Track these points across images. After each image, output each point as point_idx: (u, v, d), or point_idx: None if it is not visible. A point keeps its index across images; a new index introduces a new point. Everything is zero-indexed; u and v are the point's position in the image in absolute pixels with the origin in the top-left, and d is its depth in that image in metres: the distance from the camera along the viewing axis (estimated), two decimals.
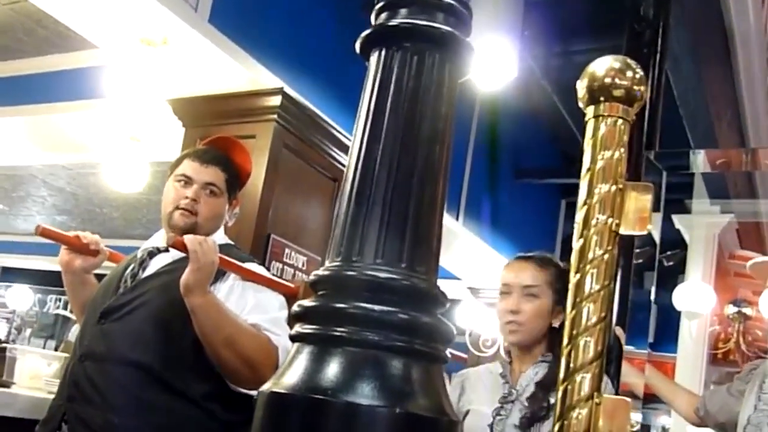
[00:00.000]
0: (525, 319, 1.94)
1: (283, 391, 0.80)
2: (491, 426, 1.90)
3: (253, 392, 1.73)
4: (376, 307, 0.81)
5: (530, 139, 6.10)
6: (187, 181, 1.93)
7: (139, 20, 2.89)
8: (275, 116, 3.14)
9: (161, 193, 2.03)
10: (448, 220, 5.10)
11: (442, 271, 5.97)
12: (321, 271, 0.87)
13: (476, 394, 2.02)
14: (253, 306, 1.81)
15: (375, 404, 0.76)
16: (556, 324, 1.96)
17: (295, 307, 0.87)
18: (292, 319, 0.88)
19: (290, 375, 0.81)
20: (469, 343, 5.55)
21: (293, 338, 0.86)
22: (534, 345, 1.97)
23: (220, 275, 1.80)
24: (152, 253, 1.95)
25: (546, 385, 1.85)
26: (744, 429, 2.26)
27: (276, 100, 3.15)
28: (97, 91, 3.73)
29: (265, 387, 0.83)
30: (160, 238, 1.98)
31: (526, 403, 1.87)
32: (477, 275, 6.08)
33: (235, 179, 2.02)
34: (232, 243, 2.07)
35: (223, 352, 1.72)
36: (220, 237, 1.97)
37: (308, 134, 3.31)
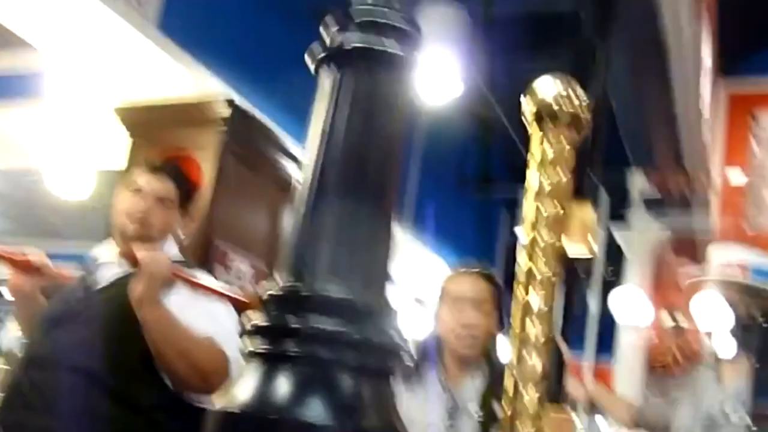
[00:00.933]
0: (480, 333, 1.99)
1: (233, 410, 0.80)
2: None
3: (202, 399, 1.76)
4: (328, 326, 0.82)
5: (474, 150, 6.19)
6: (140, 192, 1.93)
7: (85, 24, 2.84)
8: (223, 125, 3.11)
9: (107, 199, 2.01)
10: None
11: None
12: (273, 290, 0.87)
13: (412, 401, 1.99)
14: (206, 319, 1.81)
15: (326, 423, 0.77)
16: (494, 331, 2.04)
17: (247, 326, 0.87)
18: (246, 337, 0.88)
19: (241, 392, 0.82)
20: (414, 349, 5.57)
21: (245, 355, 0.86)
22: (476, 356, 2.02)
23: (171, 287, 1.80)
24: (101, 264, 1.94)
25: (492, 394, 1.90)
26: None
27: (223, 109, 3.13)
28: (37, 91, 3.65)
29: (216, 405, 0.83)
30: (109, 249, 1.97)
31: (476, 416, 1.91)
32: (423, 284, 6.13)
33: (187, 193, 2.03)
34: (185, 259, 2.06)
35: (176, 364, 1.73)
36: (173, 252, 1.98)
37: (255, 143, 3.30)
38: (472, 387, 1.98)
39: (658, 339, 6.56)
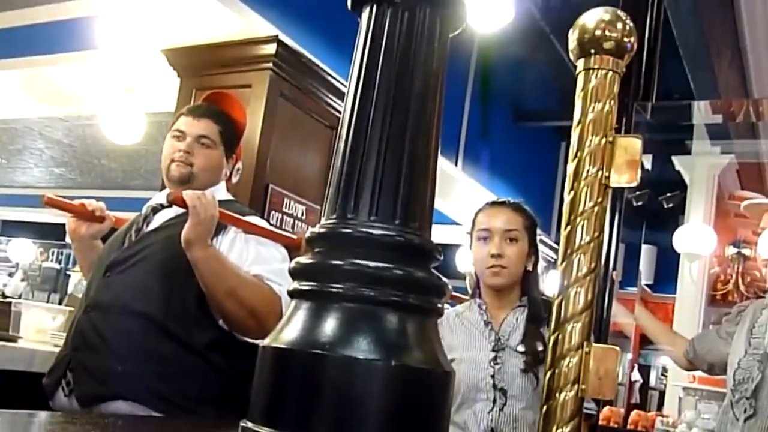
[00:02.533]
0: (508, 262, 2.02)
1: (282, 346, 0.82)
2: (493, 376, 1.95)
3: (258, 342, 1.77)
4: (371, 264, 0.83)
5: (529, 82, 6.06)
6: (181, 135, 1.98)
7: None
8: (270, 65, 3.11)
9: (159, 143, 2.07)
10: (447, 165, 5.10)
11: (443, 217, 6.01)
12: (317, 229, 0.88)
13: (457, 340, 2.06)
14: (254, 257, 1.84)
15: (371, 358, 0.79)
16: (529, 267, 2.06)
17: (292, 264, 0.89)
18: (291, 276, 0.89)
19: (289, 330, 0.83)
20: (469, 287, 5.60)
21: (291, 294, 0.87)
22: (511, 289, 2.04)
23: (221, 228, 1.84)
24: (155, 209, 2.00)
25: (535, 330, 1.92)
26: (734, 372, 2.28)
27: (271, 48, 3.12)
28: (91, 42, 3.69)
29: (265, 342, 0.85)
30: (163, 196, 2.01)
31: (520, 349, 1.93)
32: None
33: (230, 131, 2.05)
34: (234, 198, 2.10)
35: (226, 303, 1.76)
36: (221, 192, 2.01)
37: (304, 82, 3.29)
38: (514, 322, 2.02)
39: (720, 268, 6.45)
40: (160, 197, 2.04)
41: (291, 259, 1.89)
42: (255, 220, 1.96)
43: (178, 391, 1.76)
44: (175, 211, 1.90)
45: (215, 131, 2.00)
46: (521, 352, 1.94)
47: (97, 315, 1.84)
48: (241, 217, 1.91)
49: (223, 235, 1.86)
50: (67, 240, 2.18)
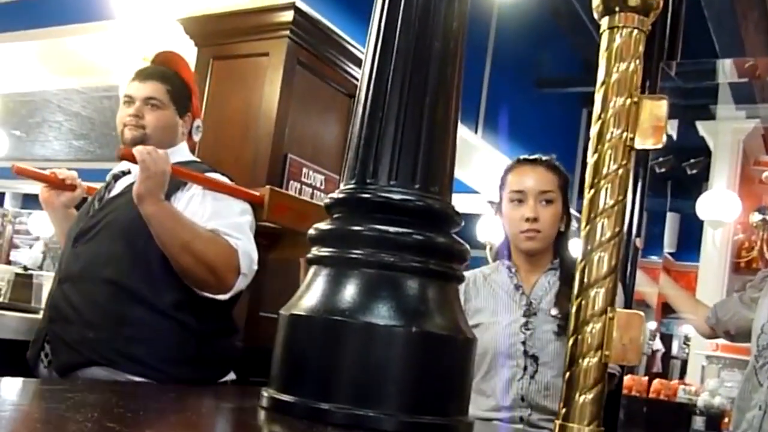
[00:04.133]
0: (543, 226, 1.90)
1: (302, 313, 0.82)
2: (524, 342, 1.86)
3: (220, 297, 1.80)
4: (391, 229, 0.82)
5: (551, 48, 5.97)
6: (130, 100, 1.98)
7: None
8: (288, 32, 3.07)
9: None
10: (466, 133, 5.05)
11: (462, 186, 5.97)
12: (335, 194, 0.87)
13: (486, 304, 1.96)
14: (211, 213, 1.83)
15: (392, 324, 0.78)
16: (562, 228, 1.94)
17: (311, 231, 0.88)
18: (309, 243, 0.88)
19: (309, 297, 0.83)
20: (490, 256, 5.59)
21: (310, 261, 0.87)
22: (544, 252, 1.94)
23: (180, 186, 1.84)
24: (117, 176, 2.00)
25: (568, 292, 1.82)
26: (758, 338, 2.25)
27: (288, 15, 3.08)
28: (108, 12, 3.68)
29: (285, 309, 0.85)
30: (123, 163, 2.00)
31: (553, 312, 1.84)
32: (497, 189, 6.07)
33: (178, 90, 2.03)
34: (198, 159, 2.09)
35: (181, 258, 1.75)
36: (182, 153, 2.02)
37: (322, 50, 3.25)
38: (546, 285, 1.92)
39: (744, 235, 6.37)
40: (121, 165, 2.03)
41: (255, 217, 1.94)
42: (215, 176, 1.93)
43: (151, 353, 1.76)
44: (135, 176, 1.87)
45: (162, 91, 1.99)
46: (554, 316, 1.83)
47: (68, 286, 1.86)
48: (197, 173, 1.89)
49: (182, 191, 1.85)
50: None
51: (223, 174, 1.98)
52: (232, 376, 1.92)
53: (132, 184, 1.84)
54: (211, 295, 1.81)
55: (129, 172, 1.95)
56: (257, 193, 1.96)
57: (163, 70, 2.06)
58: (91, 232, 1.89)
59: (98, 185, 2.12)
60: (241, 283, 1.81)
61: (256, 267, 1.85)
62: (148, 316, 1.79)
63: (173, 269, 1.78)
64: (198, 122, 2.11)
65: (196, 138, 2.12)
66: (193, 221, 1.78)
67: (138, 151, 1.73)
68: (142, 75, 2.02)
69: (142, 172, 1.72)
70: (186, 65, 2.14)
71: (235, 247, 1.78)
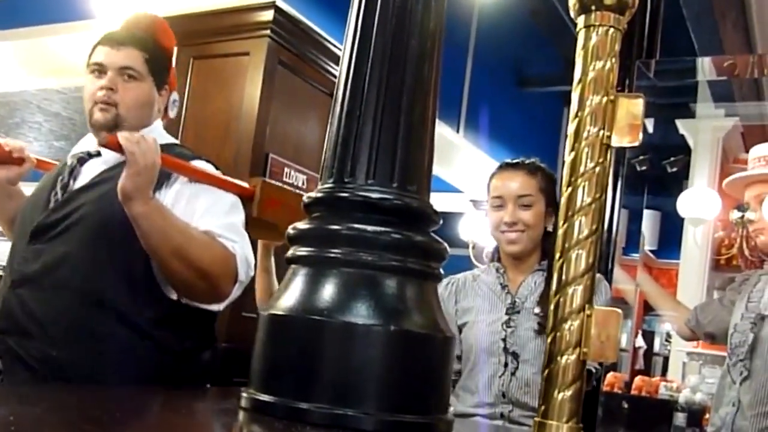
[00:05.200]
0: (524, 228, 1.94)
1: (281, 313, 0.82)
2: (504, 339, 1.90)
3: (213, 307, 1.62)
4: (369, 228, 0.82)
5: (532, 47, 6.00)
6: (100, 69, 1.67)
7: None
8: (268, 31, 3.07)
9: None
10: (448, 132, 5.06)
11: (444, 184, 5.98)
12: (314, 193, 0.87)
13: (473, 303, 2.01)
14: (204, 210, 1.59)
15: (370, 323, 0.78)
16: (549, 227, 1.96)
17: (289, 230, 0.88)
18: (288, 241, 0.88)
19: (288, 297, 0.83)
20: (473, 255, 5.61)
21: (289, 260, 0.86)
22: (531, 253, 1.97)
23: (164, 179, 1.58)
24: (83, 159, 1.69)
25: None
26: (731, 336, 2.28)
27: (268, 15, 3.08)
28: (88, 12, 3.65)
29: (264, 309, 0.85)
30: (89, 142, 1.72)
31: (536, 311, 1.87)
32: (478, 187, 6.10)
33: (158, 58, 1.74)
34: (176, 141, 1.83)
35: (172, 264, 1.51)
36: (159, 133, 1.74)
37: (303, 49, 3.25)
38: (532, 285, 1.95)
39: (725, 233, 6.43)
40: (86, 143, 1.73)
41: (246, 210, 1.70)
42: (202, 165, 1.68)
43: (120, 374, 1.52)
44: (106, 161, 1.65)
45: (140, 60, 1.68)
46: (536, 314, 1.87)
47: (24, 292, 1.57)
48: (187, 163, 1.64)
49: (166, 187, 1.59)
50: None
51: (207, 161, 1.74)
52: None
53: (105, 172, 1.63)
54: (203, 306, 1.61)
55: (98, 154, 1.68)
56: (248, 186, 1.75)
57: (140, 35, 1.74)
58: (56, 228, 1.60)
59: (52, 161, 1.85)
60: (237, 292, 1.60)
61: (252, 273, 1.65)
62: (124, 333, 1.54)
63: (155, 279, 1.57)
64: (175, 96, 1.85)
65: (172, 114, 1.87)
66: (185, 222, 1.55)
67: (125, 139, 1.47)
68: (116, 40, 1.69)
69: (131, 166, 1.46)
70: (165, 29, 1.83)
71: (233, 251, 1.57)
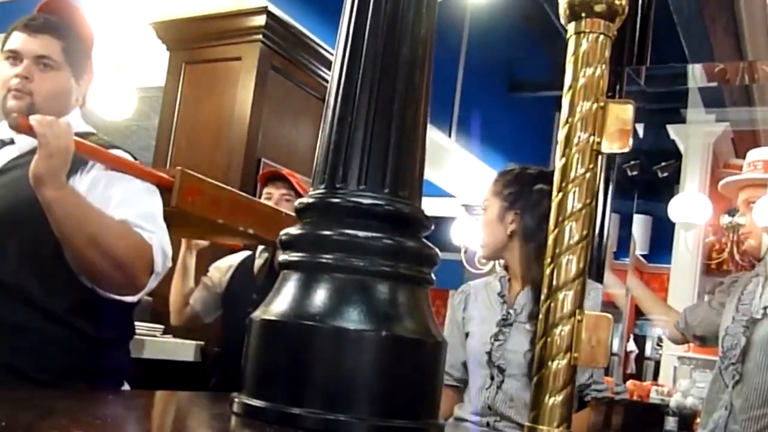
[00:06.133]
0: (482, 235, 1.99)
1: (273, 318, 0.82)
2: (489, 353, 1.89)
3: (127, 299, 1.57)
4: (361, 233, 0.82)
5: (523, 52, 6.02)
6: (15, 56, 1.62)
7: None
8: (260, 36, 3.08)
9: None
10: (440, 136, 5.08)
11: (436, 189, 5.99)
12: (305, 199, 0.87)
13: (476, 311, 2.01)
14: (120, 199, 1.54)
15: (362, 328, 0.78)
16: (510, 230, 1.93)
17: (281, 235, 0.88)
18: (280, 247, 0.88)
19: (279, 302, 0.83)
20: (465, 260, 5.61)
21: (281, 265, 0.86)
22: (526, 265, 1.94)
23: (79, 165, 1.54)
24: None
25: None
26: (723, 340, 2.28)
27: (261, 20, 3.09)
28: None
29: (255, 314, 0.85)
30: (3, 130, 1.67)
31: (528, 326, 1.85)
32: (471, 192, 6.11)
33: (76, 47, 1.69)
34: (93, 131, 1.75)
35: (87, 253, 1.46)
36: (76, 121, 1.70)
37: (295, 54, 3.26)
38: (528, 296, 1.92)
39: (715, 237, 6.45)
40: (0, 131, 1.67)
41: (164, 200, 1.66)
42: (120, 153, 1.62)
43: (37, 365, 1.48)
44: (20, 148, 1.60)
45: (57, 49, 1.63)
46: (529, 330, 1.84)
47: None
48: (103, 150, 1.58)
49: (82, 173, 1.53)
50: None
51: (126, 151, 1.68)
52: (126, 387, 1.68)
53: (18, 158, 1.58)
54: (117, 297, 1.56)
55: (11, 142, 1.63)
56: (166, 176, 1.68)
57: (57, 22, 1.68)
58: None
59: None
60: (153, 283, 1.56)
61: (170, 264, 1.60)
62: (37, 321, 1.50)
63: (69, 266, 1.51)
64: (92, 85, 1.79)
65: (89, 103, 1.80)
66: (101, 210, 1.49)
67: (37, 121, 1.42)
68: (32, 27, 1.63)
69: (43, 148, 1.40)
70: (83, 16, 1.76)
71: (149, 241, 1.52)
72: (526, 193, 1.93)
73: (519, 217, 1.91)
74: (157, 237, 1.54)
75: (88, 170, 1.56)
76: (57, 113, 1.59)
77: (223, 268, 2.81)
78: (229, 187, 1.88)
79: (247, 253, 2.76)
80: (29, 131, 1.43)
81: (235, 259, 2.81)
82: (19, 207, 1.51)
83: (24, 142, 1.58)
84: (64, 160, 1.44)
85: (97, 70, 1.80)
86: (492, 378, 1.88)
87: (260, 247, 2.72)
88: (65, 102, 1.67)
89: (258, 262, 2.73)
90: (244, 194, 2.04)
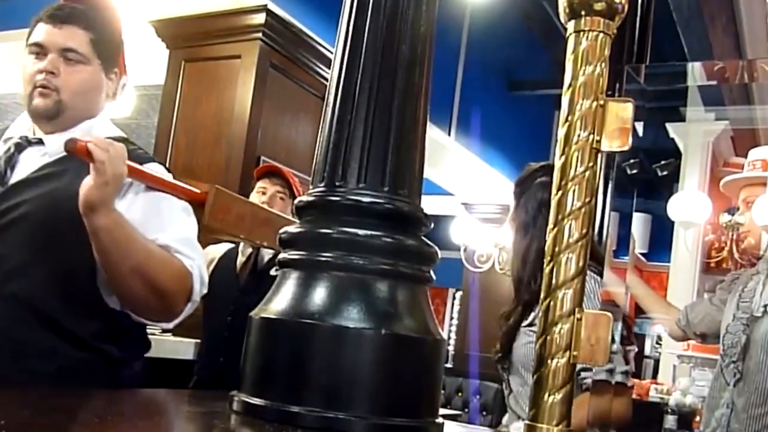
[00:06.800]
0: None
1: (272, 316, 0.82)
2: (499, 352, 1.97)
3: (163, 325, 1.54)
4: (361, 232, 0.82)
5: (523, 50, 6.01)
6: (40, 50, 1.51)
7: None
8: (260, 35, 3.08)
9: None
10: (439, 135, 5.07)
11: (435, 187, 5.98)
12: (305, 197, 0.87)
13: None
14: (160, 222, 1.47)
15: (361, 326, 0.78)
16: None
17: (281, 234, 0.88)
18: (280, 245, 0.88)
19: (279, 300, 0.83)
20: (464, 258, 5.61)
21: (280, 263, 0.86)
22: None
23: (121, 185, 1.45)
24: (20, 146, 1.52)
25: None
26: (723, 338, 2.29)
27: (260, 18, 3.09)
28: None
29: (255, 313, 0.85)
30: (25, 124, 1.56)
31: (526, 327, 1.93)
32: (470, 190, 6.10)
33: (105, 38, 1.57)
34: (123, 134, 1.66)
35: (129, 281, 1.39)
36: (107, 125, 1.61)
37: (294, 52, 3.25)
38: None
39: (715, 236, 6.45)
40: (21, 126, 1.56)
41: (196, 216, 1.58)
42: (156, 167, 1.54)
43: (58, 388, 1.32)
44: (48, 153, 1.50)
45: (85, 41, 1.52)
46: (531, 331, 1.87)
47: None
48: (145, 170, 1.49)
49: (121, 192, 1.43)
50: None
51: (160, 163, 1.60)
52: None
53: (49, 166, 1.48)
54: (153, 323, 1.51)
55: (39, 142, 1.52)
56: (199, 192, 1.60)
57: (85, 11, 1.56)
58: None
59: None
60: (189, 310, 1.51)
61: (206, 291, 1.54)
62: (64, 347, 1.42)
63: (97, 289, 1.44)
64: (125, 80, 1.67)
65: (119, 98, 1.69)
66: (144, 237, 1.42)
67: (96, 149, 1.32)
68: (58, 17, 1.52)
69: (99, 175, 1.32)
70: (111, 5, 1.66)
71: (190, 270, 1.46)
72: (527, 185, 1.94)
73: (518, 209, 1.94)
74: (197, 264, 1.49)
75: (125, 191, 1.47)
76: (86, 111, 1.54)
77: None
78: (251, 201, 1.89)
79: (227, 246, 2.73)
80: (87, 156, 1.33)
81: (216, 252, 2.75)
82: (57, 224, 1.41)
83: (53, 146, 1.48)
84: (118, 186, 1.37)
85: (129, 65, 1.71)
86: (502, 377, 1.97)
87: (242, 243, 2.69)
88: (95, 99, 1.57)
89: (240, 260, 2.69)
90: (264, 207, 2.02)
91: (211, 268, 2.71)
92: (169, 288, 1.43)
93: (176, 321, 1.51)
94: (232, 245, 2.72)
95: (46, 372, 1.39)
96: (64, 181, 1.41)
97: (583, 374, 1.93)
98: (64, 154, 1.39)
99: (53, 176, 1.46)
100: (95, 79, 1.56)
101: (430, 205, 0.89)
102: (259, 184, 2.63)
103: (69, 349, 1.42)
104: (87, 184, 1.34)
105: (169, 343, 2.72)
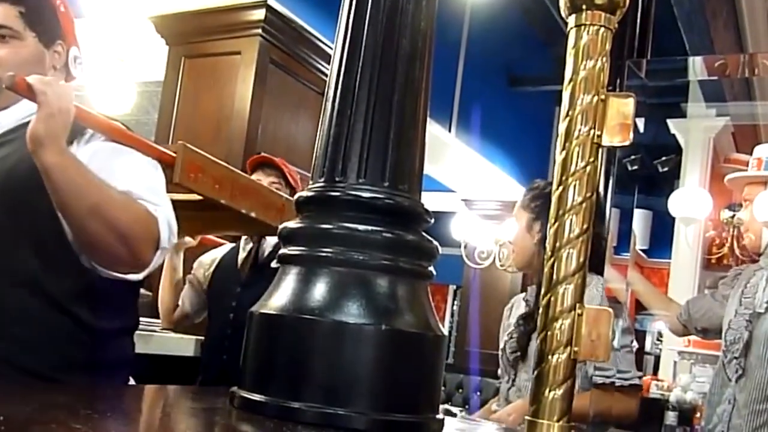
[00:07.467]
0: (518, 248, 2.14)
1: (272, 312, 0.81)
2: (504, 349, 2.08)
3: (132, 276, 1.45)
4: (360, 227, 0.82)
5: (524, 46, 6.00)
6: None
7: None
8: (260, 30, 3.07)
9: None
10: (440, 131, 5.07)
11: (436, 183, 5.97)
12: (304, 192, 0.87)
13: (513, 318, 2.16)
14: (123, 171, 1.43)
15: (361, 322, 0.78)
16: (537, 238, 2.10)
17: (280, 229, 0.88)
18: (279, 240, 0.88)
19: (278, 296, 0.83)
20: (465, 255, 5.61)
21: (280, 259, 0.86)
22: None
23: (78, 135, 1.43)
24: None
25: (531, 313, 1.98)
26: (725, 333, 2.29)
27: (260, 14, 3.08)
28: (77, 10, 3.64)
29: (254, 308, 0.84)
30: None
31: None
32: (471, 187, 6.10)
33: (37, 11, 1.53)
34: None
35: (89, 224, 1.34)
36: None
37: (294, 48, 3.25)
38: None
39: (716, 232, 6.45)
40: None
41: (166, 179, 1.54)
42: (120, 126, 1.51)
43: (40, 359, 1.38)
44: (14, 116, 1.48)
45: (13, 15, 1.49)
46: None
47: None
48: (105, 119, 1.46)
49: (80, 143, 1.42)
50: None
51: (124, 125, 1.54)
52: (131, 382, 1.61)
53: (11, 132, 1.46)
54: (121, 275, 1.44)
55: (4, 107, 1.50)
56: (169, 152, 1.57)
57: None
58: None
59: None
60: (158, 260, 1.44)
61: (176, 240, 1.49)
62: (38, 308, 1.39)
63: (70, 247, 1.40)
64: (76, 51, 1.61)
65: (76, 72, 1.63)
66: (103, 179, 1.36)
67: (36, 81, 1.30)
68: None
69: (43, 107, 1.29)
70: None
71: (155, 214, 1.41)
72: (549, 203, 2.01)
73: (544, 226, 2.07)
74: (163, 210, 1.43)
75: (86, 141, 1.44)
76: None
77: (206, 262, 2.79)
78: (230, 166, 1.79)
79: (230, 246, 2.75)
80: (27, 91, 1.30)
81: (218, 253, 2.78)
82: (13, 179, 1.40)
83: (7, 119, 1.47)
84: (65, 121, 1.32)
85: (79, 32, 1.64)
86: (507, 372, 2.07)
87: (243, 239, 2.70)
88: (36, 72, 1.45)
89: (242, 255, 2.70)
90: (243, 174, 2.00)
91: (213, 268, 2.73)
92: (132, 232, 1.36)
93: (146, 271, 1.45)
94: (233, 245, 2.73)
95: (26, 340, 1.38)
96: (15, 146, 1.38)
97: (597, 373, 2.03)
98: (19, 122, 1.39)
99: (8, 143, 1.44)
100: (33, 53, 1.52)
101: (430, 201, 0.88)
102: (254, 176, 2.62)
103: (50, 313, 1.40)
104: (33, 119, 1.30)
105: (168, 340, 2.72)
